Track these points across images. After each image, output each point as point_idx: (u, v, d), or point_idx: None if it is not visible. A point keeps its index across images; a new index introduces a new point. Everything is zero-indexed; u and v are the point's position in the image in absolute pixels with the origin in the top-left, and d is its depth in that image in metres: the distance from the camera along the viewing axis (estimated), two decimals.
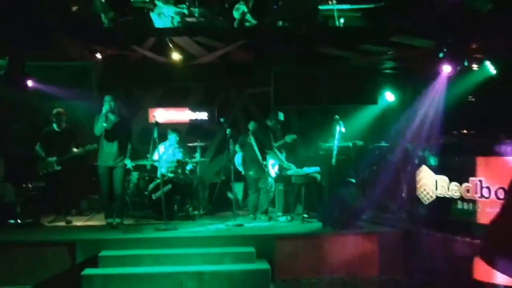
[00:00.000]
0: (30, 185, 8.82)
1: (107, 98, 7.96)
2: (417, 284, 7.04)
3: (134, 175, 9.36)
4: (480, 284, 4.45)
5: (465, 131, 8.39)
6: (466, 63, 7.29)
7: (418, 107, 9.72)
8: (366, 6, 8.40)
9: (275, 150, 8.79)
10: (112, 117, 8.01)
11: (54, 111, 8.82)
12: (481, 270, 4.49)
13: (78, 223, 8.69)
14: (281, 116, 9.18)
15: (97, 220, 8.86)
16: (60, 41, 8.13)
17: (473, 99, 9.14)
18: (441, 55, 7.21)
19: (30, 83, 8.08)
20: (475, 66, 8.26)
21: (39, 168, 8.73)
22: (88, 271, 6.77)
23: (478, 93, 8.91)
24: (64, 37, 7.97)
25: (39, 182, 8.83)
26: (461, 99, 8.63)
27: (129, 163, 8.17)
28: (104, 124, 7.86)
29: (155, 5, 8.59)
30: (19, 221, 8.46)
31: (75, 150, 8.71)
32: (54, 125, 8.79)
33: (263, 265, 7.01)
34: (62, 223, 8.61)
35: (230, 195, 9.57)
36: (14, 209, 8.55)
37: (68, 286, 6.81)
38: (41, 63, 8.39)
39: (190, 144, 9.74)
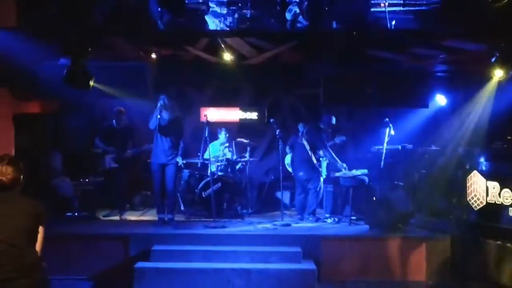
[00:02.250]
0: (87, 180, 9.18)
1: (162, 95, 8.18)
2: None
3: (185, 173, 9.60)
4: None
5: None
6: None
7: (470, 111, 9.57)
8: (419, 8, 8.33)
9: (329, 150, 8.83)
10: (166, 115, 8.22)
11: (115, 109, 9.20)
12: None
13: (132, 218, 9.01)
14: (333, 120, 9.22)
15: (150, 216, 9.15)
16: (116, 43, 8.42)
17: None
18: (493, 59, 7.09)
19: (91, 83, 8.42)
20: None
21: (97, 164, 9.10)
22: (140, 264, 7.04)
23: None
24: (119, 39, 8.26)
25: (96, 177, 9.19)
26: None
27: (180, 161, 8.38)
28: (158, 116, 8.05)
29: (208, 6, 8.77)
30: (76, 214, 8.84)
31: (129, 151, 9.04)
32: (114, 122, 9.15)
33: (310, 265, 7.10)
34: (117, 217, 8.96)
35: (279, 195, 9.70)
36: (71, 202, 8.94)
37: (121, 278, 7.07)
38: (98, 63, 8.69)
39: (239, 140, 9.92)
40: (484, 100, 8.93)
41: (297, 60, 9.81)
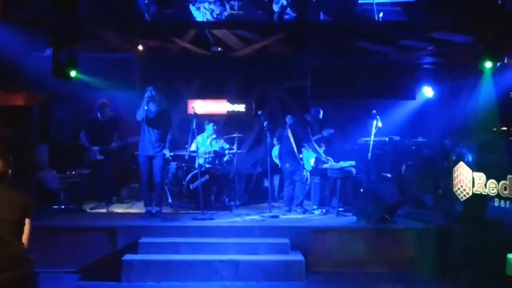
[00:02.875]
0: (73, 172, 9.13)
1: (150, 88, 8.11)
2: (452, 280, 7.04)
3: (173, 165, 9.58)
4: None
5: (504, 128, 8.29)
6: (506, 60, 7.17)
7: (457, 102, 9.63)
8: (406, 0, 8.35)
9: (313, 143, 8.85)
10: (153, 107, 8.18)
11: (99, 101, 9.13)
12: None
13: (119, 210, 8.99)
14: (321, 114, 9.21)
15: (137, 208, 9.13)
16: (103, 34, 8.37)
17: None
18: (480, 51, 7.14)
19: (73, 73, 8.31)
20: None
21: (83, 156, 9.04)
22: (128, 256, 7.02)
23: None
24: (107, 31, 8.20)
25: (82, 169, 9.15)
26: (502, 95, 8.52)
27: (168, 153, 8.35)
28: (146, 108, 8.01)
29: None
30: (62, 206, 8.79)
31: (114, 144, 9.00)
32: (98, 114, 9.10)
33: (298, 257, 7.13)
34: (103, 210, 8.93)
35: (266, 185, 9.73)
36: (58, 195, 8.88)
37: (109, 270, 7.05)
38: (85, 55, 8.62)
39: (227, 136, 9.94)
40: (470, 92, 8.99)
41: (285, 52, 9.82)
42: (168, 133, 8.33)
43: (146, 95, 7.97)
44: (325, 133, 10.02)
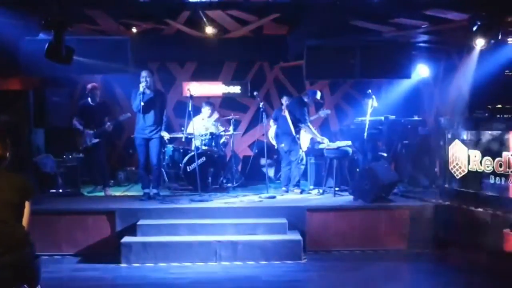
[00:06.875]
0: (70, 156, 9.13)
1: (144, 73, 8.01)
2: (448, 257, 7.11)
3: (169, 148, 9.59)
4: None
5: (499, 106, 8.33)
6: (500, 37, 7.15)
7: (451, 81, 9.63)
8: None
9: (309, 124, 8.87)
10: (148, 93, 8.14)
11: (89, 86, 9.13)
12: None
13: (117, 193, 9.01)
14: (318, 95, 9.20)
15: (135, 191, 9.15)
16: (96, 16, 8.31)
17: (510, 73, 9.04)
18: (475, 29, 7.11)
19: (67, 56, 8.20)
20: (510, 40, 8.12)
21: (78, 143, 9.05)
22: (127, 238, 7.05)
23: None
24: (100, 12, 8.15)
25: (78, 154, 9.15)
26: (496, 73, 8.54)
27: (166, 135, 8.33)
28: (142, 104, 8.00)
29: None
30: (60, 190, 8.81)
31: (108, 124, 9.00)
32: (89, 99, 9.08)
33: (295, 236, 7.17)
34: (101, 194, 8.95)
35: (263, 167, 9.77)
36: (55, 179, 8.89)
37: (109, 253, 7.09)
38: (79, 37, 8.58)
39: (223, 118, 9.95)
40: (465, 70, 8.99)
41: (280, 32, 9.78)
42: (163, 116, 8.30)
43: (141, 87, 7.89)
44: (322, 113, 10.04)
